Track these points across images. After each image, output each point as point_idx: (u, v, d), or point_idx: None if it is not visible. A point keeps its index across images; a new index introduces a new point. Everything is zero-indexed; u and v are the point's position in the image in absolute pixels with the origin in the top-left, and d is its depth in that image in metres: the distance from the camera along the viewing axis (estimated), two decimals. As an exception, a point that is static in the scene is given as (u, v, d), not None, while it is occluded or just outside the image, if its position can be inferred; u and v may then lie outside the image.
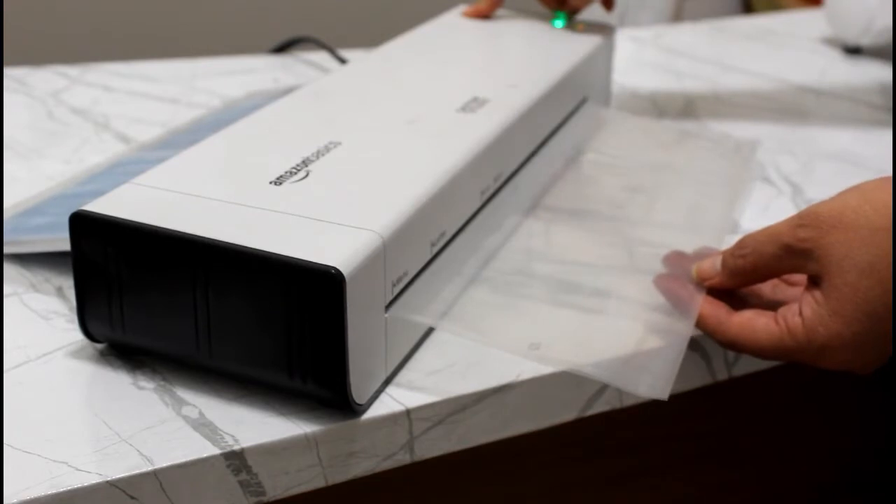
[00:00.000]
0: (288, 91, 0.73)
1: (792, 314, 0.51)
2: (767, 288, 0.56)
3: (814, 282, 0.51)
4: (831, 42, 1.20)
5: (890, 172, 0.52)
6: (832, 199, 0.51)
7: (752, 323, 0.52)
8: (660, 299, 0.57)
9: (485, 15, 0.85)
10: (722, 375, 0.61)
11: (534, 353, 0.53)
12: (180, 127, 0.83)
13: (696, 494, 0.75)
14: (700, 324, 0.54)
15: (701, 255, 0.59)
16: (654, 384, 0.51)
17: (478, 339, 0.54)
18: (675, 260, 0.59)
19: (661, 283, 0.57)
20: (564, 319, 0.56)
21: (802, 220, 0.51)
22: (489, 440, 0.53)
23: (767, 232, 0.53)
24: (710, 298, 0.55)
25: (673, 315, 0.55)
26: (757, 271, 0.54)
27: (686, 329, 0.54)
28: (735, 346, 0.53)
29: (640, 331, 0.55)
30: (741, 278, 0.55)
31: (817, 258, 0.50)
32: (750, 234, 0.54)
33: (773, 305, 0.53)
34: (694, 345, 0.58)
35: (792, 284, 0.56)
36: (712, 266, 0.56)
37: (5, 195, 0.68)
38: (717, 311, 0.54)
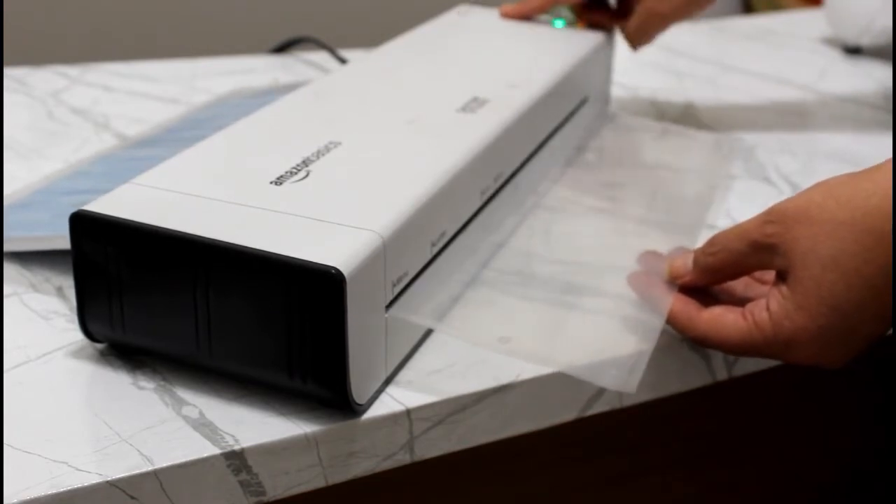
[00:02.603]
0: (280, 89, 0.73)
1: (759, 309, 0.51)
2: (739, 286, 0.56)
3: (781, 277, 0.51)
4: (831, 42, 1.20)
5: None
6: (798, 195, 0.51)
7: (721, 318, 0.53)
8: (635, 296, 0.57)
9: (525, 17, 0.85)
10: (722, 375, 0.61)
11: (503, 346, 0.53)
12: (165, 123, 0.82)
13: (696, 494, 0.75)
14: (671, 320, 0.55)
15: (675, 253, 0.59)
16: (620, 376, 0.51)
17: (451, 332, 0.54)
18: (650, 258, 0.60)
19: (634, 280, 0.58)
20: (539, 314, 0.57)
21: (769, 216, 0.51)
22: (489, 440, 0.53)
23: (736, 229, 0.53)
24: (680, 296, 0.55)
25: (646, 312, 0.56)
26: (727, 268, 0.54)
27: (657, 325, 0.54)
28: (705, 341, 0.54)
29: (612, 326, 0.56)
30: (712, 276, 0.55)
31: (783, 253, 0.50)
32: (720, 232, 0.54)
33: (744, 303, 0.53)
34: (694, 346, 0.58)
35: (764, 283, 0.56)
36: (684, 264, 0.56)
37: (5, 195, 0.68)
38: (688, 308, 0.54)
